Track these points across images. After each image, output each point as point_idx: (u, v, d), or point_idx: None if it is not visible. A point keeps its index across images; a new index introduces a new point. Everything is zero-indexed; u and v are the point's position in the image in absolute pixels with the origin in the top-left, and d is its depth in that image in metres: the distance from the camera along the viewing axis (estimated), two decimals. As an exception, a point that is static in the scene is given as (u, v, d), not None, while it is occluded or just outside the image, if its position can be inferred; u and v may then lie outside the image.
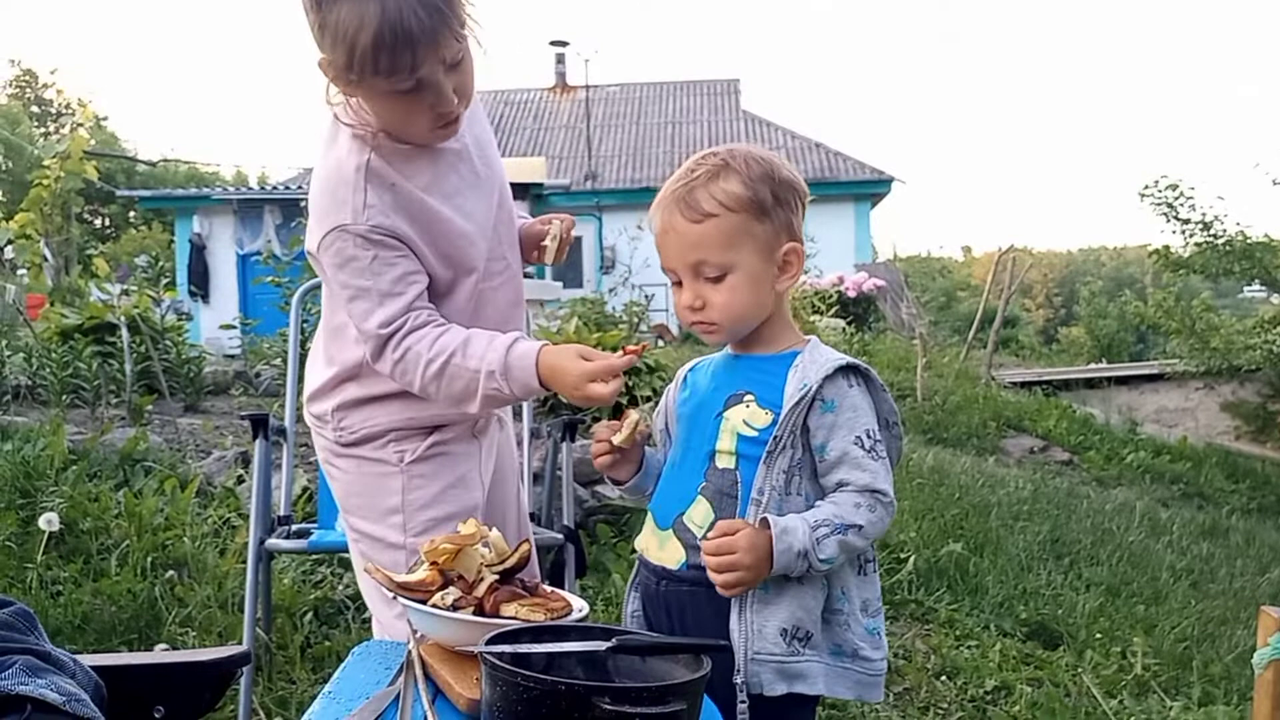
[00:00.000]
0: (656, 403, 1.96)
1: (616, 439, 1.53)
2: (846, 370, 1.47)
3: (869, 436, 1.45)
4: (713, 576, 1.39)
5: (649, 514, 1.58)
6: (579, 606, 1.34)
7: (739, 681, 1.39)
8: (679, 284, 1.52)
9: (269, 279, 7.19)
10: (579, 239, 18.79)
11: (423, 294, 1.64)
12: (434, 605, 1.27)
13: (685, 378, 1.65)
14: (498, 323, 1.76)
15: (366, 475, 1.74)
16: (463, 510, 1.72)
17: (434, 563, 1.33)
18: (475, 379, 1.60)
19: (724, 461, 1.49)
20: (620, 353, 1.54)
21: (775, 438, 1.44)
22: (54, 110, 37.76)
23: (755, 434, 1.47)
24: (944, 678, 3.38)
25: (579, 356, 1.56)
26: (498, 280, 1.78)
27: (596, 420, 5.00)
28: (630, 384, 5.14)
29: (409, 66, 1.50)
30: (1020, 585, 4.38)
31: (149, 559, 3.25)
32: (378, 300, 1.59)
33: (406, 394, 1.70)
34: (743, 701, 1.38)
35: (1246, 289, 18.28)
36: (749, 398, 1.49)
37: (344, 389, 1.75)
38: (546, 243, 1.86)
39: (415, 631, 1.33)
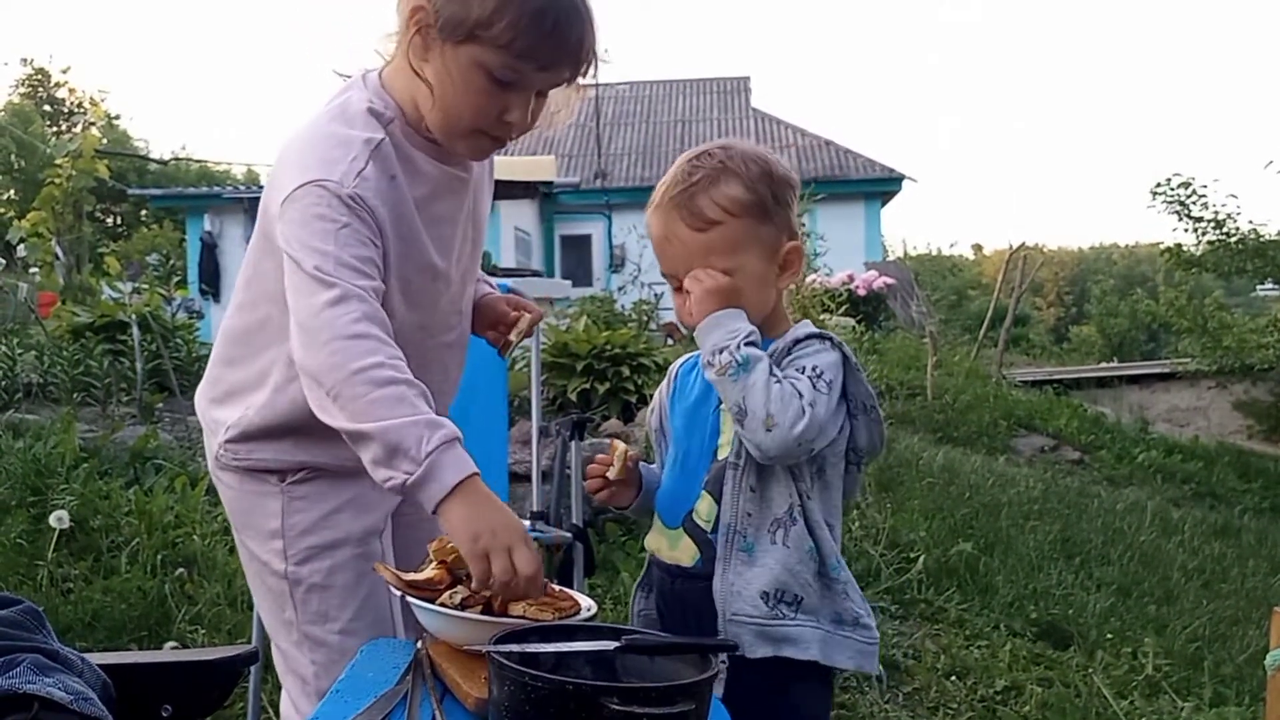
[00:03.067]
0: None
1: (610, 473, 1.52)
2: (820, 337, 1.45)
3: (815, 372, 1.38)
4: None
5: (655, 514, 1.58)
6: (587, 606, 1.34)
7: None
8: (680, 289, 1.48)
9: (279, 277, 7.21)
10: (589, 236, 18.89)
11: (381, 293, 1.39)
12: (442, 604, 1.27)
13: (677, 375, 1.64)
14: (435, 388, 1.45)
15: (249, 493, 1.58)
16: (349, 537, 1.54)
17: (442, 561, 1.33)
18: (398, 423, 1.27)
19: (726, 452, 1.48)
20: (547, 588, 1.33)
21: None
22: (66, 109, 37.87)
23: None
24: (954, 678, 3.37)
25: (524, 540, 1.28)
26: (450, 336, 1.61)
27: (606, 419, 5.00)
28: (640, 383, 5.13)
29: (536, 61, 1.37)
30: (1031, 585, 4.36)
31: (159, 556, 3.26)
32: (334, 264, 1.34)
33: (303, 432, 1.48)
34: (722, 662, 1.36)
35: (1259, 288, 18.17)
36: None
37: (242, 412, 1.54)
38: (511, 337, 1.68)
39: (423, 630, 1.33)
